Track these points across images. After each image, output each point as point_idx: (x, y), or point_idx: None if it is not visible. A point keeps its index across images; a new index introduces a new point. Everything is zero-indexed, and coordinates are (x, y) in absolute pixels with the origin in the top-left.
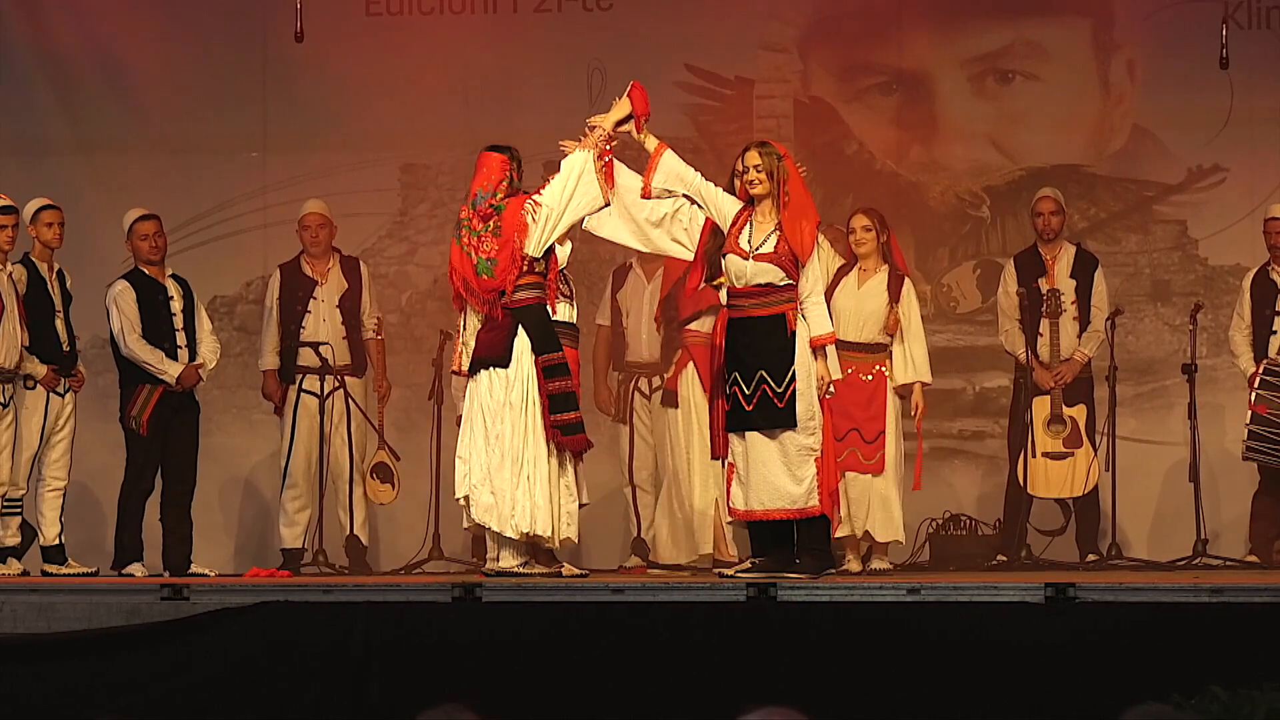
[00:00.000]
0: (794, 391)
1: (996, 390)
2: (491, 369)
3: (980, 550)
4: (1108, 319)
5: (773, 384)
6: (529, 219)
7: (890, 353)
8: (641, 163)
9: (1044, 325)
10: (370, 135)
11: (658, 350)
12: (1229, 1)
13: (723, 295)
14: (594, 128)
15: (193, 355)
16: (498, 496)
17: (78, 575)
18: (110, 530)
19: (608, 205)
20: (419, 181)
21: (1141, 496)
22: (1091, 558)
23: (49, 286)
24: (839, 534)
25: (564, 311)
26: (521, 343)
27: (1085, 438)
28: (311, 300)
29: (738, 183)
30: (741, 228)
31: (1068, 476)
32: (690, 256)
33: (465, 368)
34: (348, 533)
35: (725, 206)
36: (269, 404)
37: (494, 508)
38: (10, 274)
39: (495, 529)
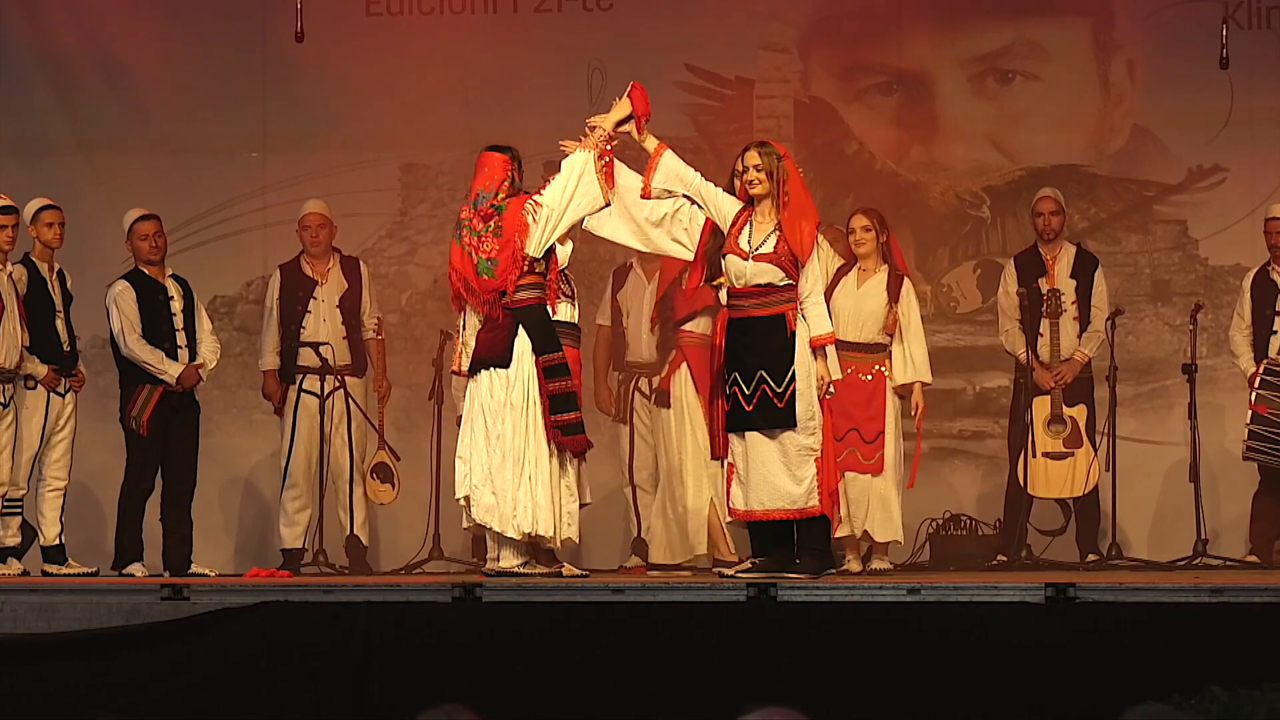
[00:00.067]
0: (794, 391)
1: (997, 390)
2: (492, 369)
3: (980, 550)
4: (1108, 319)
5: (772, 384)
6: (529, 219)
7: (890, 353)
8: (641, 163)
9: (1044, 325)
10: (370, 135)
11: (655, 350)
12: (1229, 1)
13: (722, 295)
14: (594, 128)
15: (193, 355)
16: (499, 497)
17: (78, 575)
18: (110, 530)
19: (608, 206)
20: (419, 181)
21: (1142, 496)
22: (1092, 558)
23: (49, 286)
24: (839, 534)
25: (565, 311)
26: (522, 343)
27: (1085, 438)
28: (312, 300)
29: (737, 183)
30: (741, 228)
31: (1068, 476)
32: (690, 256)
33: (465, 368)
34: (348, 533)
35: (725, 207)
36: (269, 404)
37: (495, 508)
38: (10, 274)
39: (497, 529)
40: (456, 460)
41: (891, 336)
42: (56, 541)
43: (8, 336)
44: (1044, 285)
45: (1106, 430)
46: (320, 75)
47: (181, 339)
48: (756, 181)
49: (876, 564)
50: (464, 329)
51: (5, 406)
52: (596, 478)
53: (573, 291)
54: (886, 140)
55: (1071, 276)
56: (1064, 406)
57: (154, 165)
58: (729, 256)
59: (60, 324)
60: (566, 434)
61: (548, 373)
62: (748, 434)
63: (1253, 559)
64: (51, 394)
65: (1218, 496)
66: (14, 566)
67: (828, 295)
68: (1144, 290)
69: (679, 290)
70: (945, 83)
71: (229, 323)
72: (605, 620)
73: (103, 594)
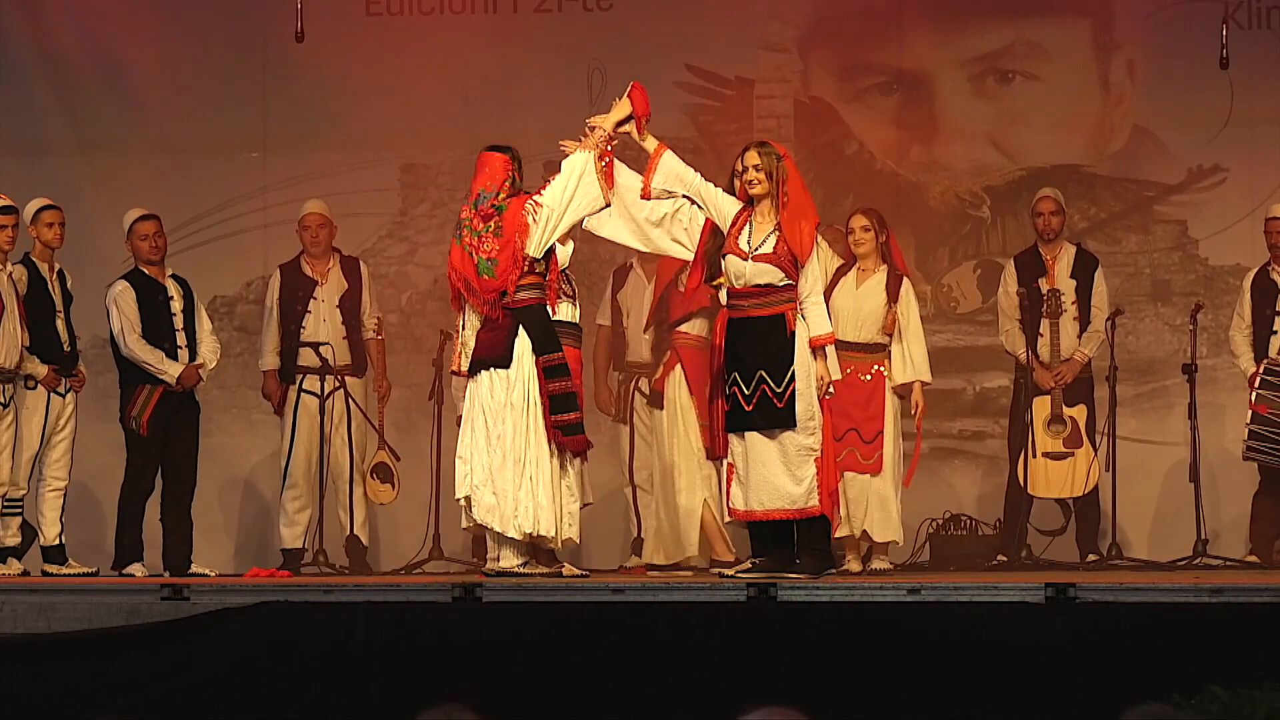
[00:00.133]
0: (793, 391)
1: (997, 390)
2: (492, 369)
3: (980, 550)
4: (1108, 319)
5: (772, 384)
6: (530, 219)
7: (889, 353)
8: (641, 163)
9: (1044, 325)
10: (370, 135)
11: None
12: (1229, 1)
13: (723, 295)
14: (594, 128)
15: (193, 355)
16: (500, 497)
17: (78, 575)
18: (110, 530)
19: (608, 206)
20: (419, 181)
21: (1142, 496)
22: (1092, 558)
23: (49, 286)
24: (838, 534)
25: (566, 311)
26: (522, 343)
27: (1085, 438)
28: (312, 300)
29: (737, 183)
30: (741, 228)
31: (1068, 476)
32: (690, 256)
33: (464, 368)
34: (348, 533)
35: (725, 207)
36: (269, 404)
37: (496, 508)
38: (10, 274)
39: (498, 529)
40: (457, 460)
41: (890, 336)
42: (57, 541)
43: (8, 336)
44: (1044, 285)
45: (1106, 430)
46: (320, 75)
47: (181, 339)
48: (756, 181)
49: (876, 564)
50: (463, 329)
51: (5, 406)
52: (596, 478)
53: (574, 291)
54: (886, 140)
55: (1071, 276)
56: (1064, 406)
57: (154, 165)
58: (729, 257)
59: (60, 324)
60: (567, 434)
61: (548, 373)
62: (747, 434)
63: (1253, 559)
64: (52, 394)
65: (1218, 496)
66: (14, 566)
67: (827, 295)
68: (1144, 290)
69: (675, 291)
70: (945, 83)
71: (229, 323)
72: (605, 620)
73: (103, 594)
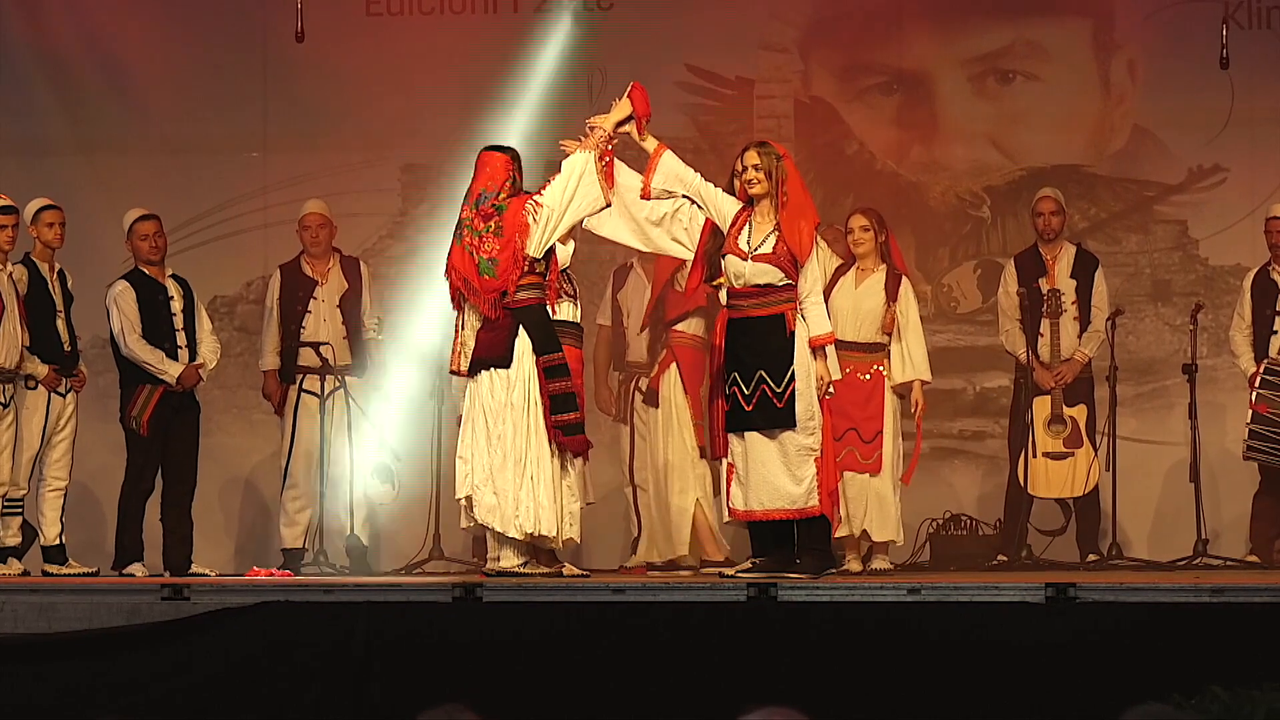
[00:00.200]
0: (793, 391)
1: (997, 390)
2: (492, 369)
3: (980, 550)
4: (1108, 319)
5: (772, 384)
6: (530, 219)
7: (888, 352)
8: (641, 163)
9: (1044, 325)
10: (370, 135)
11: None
12: (1229, 1)
13: (722, 295)
14: (594, 128)
15: (193, 355)
16: (500, 497)
17: (78, 575)
18: (111, 530)
19: (608, 206)
20: (419, 181)
21: (1142, 496)
22: (1092, 558)
23: (50, 286)
24: (838, 534)
25: (567, 311)
26: (523, 343)
27: (1086, 438)
28: (312, 300)
29: (737, 183)
30: (741, 228)
31: (1068, 476)
32: (690, 256)
33: (463, 368)
34: (348, 533)
35: (725, 207)
36: (269, 404)
37: (497, 508)
38: (11, 274)
39: (499, 529)
40: (457, 460)
41: (890, 336)
42: (57, 541)
43: (8, 336)
44: (1044, 285)
45: (1107, 430)
46: (320, 75)
47: (181, 339)
48: (755, 181)
49: (877, 564)
50: (462, 329)
51: (5, 406)
52: (596, 478)
53: (575, 291)
54: (887, 140)
55: (1072, 276)
56: (1064, 406)
57: (154, 165)
58: (728, 257)
59: (61, 324)
60: (567, 434)
61: (548, 373)
62: (747, 434)
63: (1253, 559)
64: (52, 394)
65: (1218, 496)
66: (14, 566)
67: (826, 295)
68: (1144, 290)
69: (672, 291)
70: (945, 83)
71: (229, 323)
72: (605, 620)
73: (103, 594)
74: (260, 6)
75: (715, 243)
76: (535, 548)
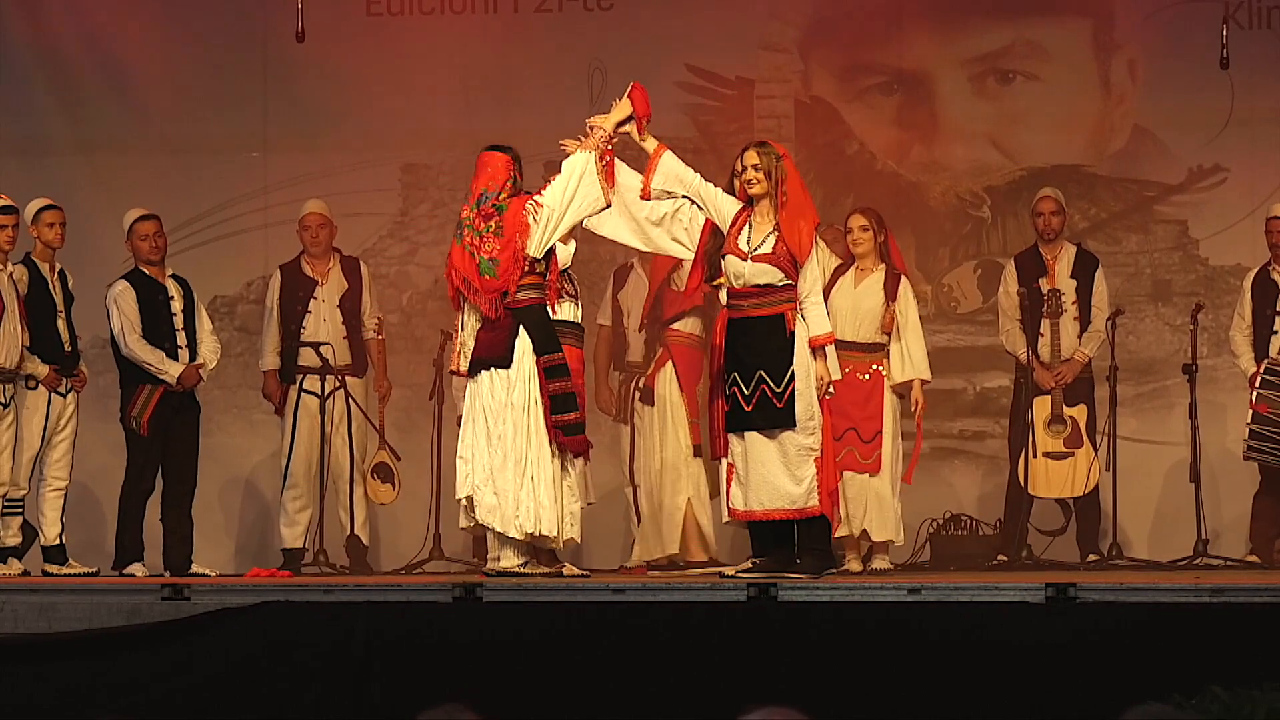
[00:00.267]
0: (793, 391)
1: (997, 390)
2: (493, 369)
3: (981, 550)
4: (1108, 319)
5: (772, 384)
6: (530, 219)
7: (887, 352)
8: (642, 162)
9: (1044, 325)
10: (370, 135)
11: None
12: (1229, 1)
13: (723, 295)
14: (594, 128)
15: (193, 355)
16: (501, 497)
17: (78, 575)
18: (111, 530)
19: (609, 206)
20: (419, 181)
21: (1142, 496)
22: (1092, 558)
23: (50, 286)
24: (838, 534)
25: (569, 311)
26: (523, 343)
27: (1086, 438)
28: (312, 300)
29: (737, 183)
30: (740, 228)
31: (1068, 476)
32: (690, 256)
33: (463, 368)
34: (348, 533)
35: (725, 207)
36: (269, 404)
37: (497, 508)
38: (11, 274)
39: (499, 530)
40: (458, 460)
41: (889, 335)
42: (57, 541)
43: (8, 336)
44: (1044, 285)
45: (1107, 430)
46: (320, 75)
47: (182, 339)
48: (755, 181)
49: (877, 564)
50: (462, 329)
51: (6, 406)
52: (597, 477)
53: (576, 291)
54: (887, 140)
55: (1072, 276)
56: (1064, 406)
57: (154, 165)
58: (728, 257)
59: (61, 324)
60: (567, 434)
61: (548, 373)
62: (747, 434)
63: (1253, 559)
64: (53, 394)
65: (1218, 496)
66: (14, 566)
67: (825, 295)
68: (1144, 290)
69: (669, 290)
70: (945, 83)
71: (229, 323)
72: (605, 620)
73: (103, 594)
74: (260, 6)
75: (715, 243)
76: (535, 548)
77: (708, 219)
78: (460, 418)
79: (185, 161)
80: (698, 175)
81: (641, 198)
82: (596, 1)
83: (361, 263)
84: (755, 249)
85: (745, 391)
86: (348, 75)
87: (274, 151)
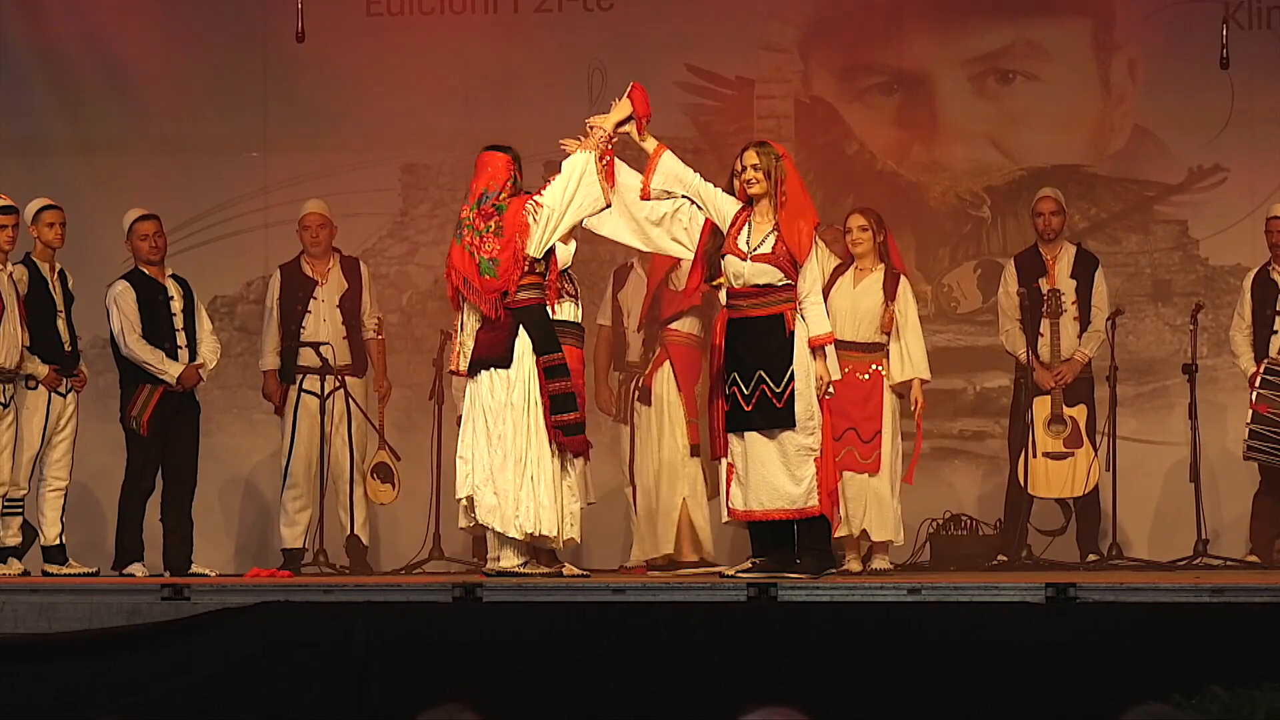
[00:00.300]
0: (792, 391)
1: (997, 390)
2: (492, 369)
3: (981, 550)
4: (1108, 319)
5: (771, 384)
6: (530, 219)
7: (887, 352)
8: (642, 162)
9: (1044, 325)
10: (370, 135)
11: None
12: (1229, 1)
13: (722, 295)
14: (594, 128)
15: (193, 355)
16: (501, 497)
17: (78, 575)
18: (111, 530)
19: (609, 206)
20: (419, 181)
21: (1142, 496)
22: (1092, 558)
23: (50, 286)
24: (838, 534)
25: (569, 311)
26: (523, 343)
27: (1086, 438)
28: (312, 300)
29: (736, 183)
30: (740, 228)
31: (1068, 476)
32: (690, 255)
33: (463, 368)
34: (348, 533)
35: (724, 207)
36: (269, 404)
37: (497, 508)
38: (11, 274)
39: (499, 530)
40: (458, 460)
41: (888, 335)
42: (57, 541)
43: (8, 336)
44: (1044, 285)
45: (1107, 430)
46: (320, 75)
47: (181, 339)
48: (754, 181)
49: (877, 564)
50: (462, 329)
51: (6, 406)
52: (597, 477)
53: (576, 291)
54: (887, 140)
55: (1072, 276)
56: (1064, 406)
57: (154, 165)
58: (728, 257)
59: (61, 324)
60: (567, 434)
61: (548, 373)
62: (747, 434)
63: (1253, 559)
64: (53, 394)
65: (1218, 496)
66: (14, 566)
67: (824, 295)
68: (1144, 290)
69: (666, 290)
70: (945, 83)
71: (229, 323)
72: (605, 620)
73: (103, 594)
74: (260, 6)
75: (715, 243)
76: (535, 548)
77: (707, 219)
78: (460, 418)
79: (185, 161)
80: (697, 175)
81: (641, 198)
82: (596, 1)
83: (361, 263)
84: (755, 249)
85: (745, 391)
86: (348, 75)
87: (274, 151)
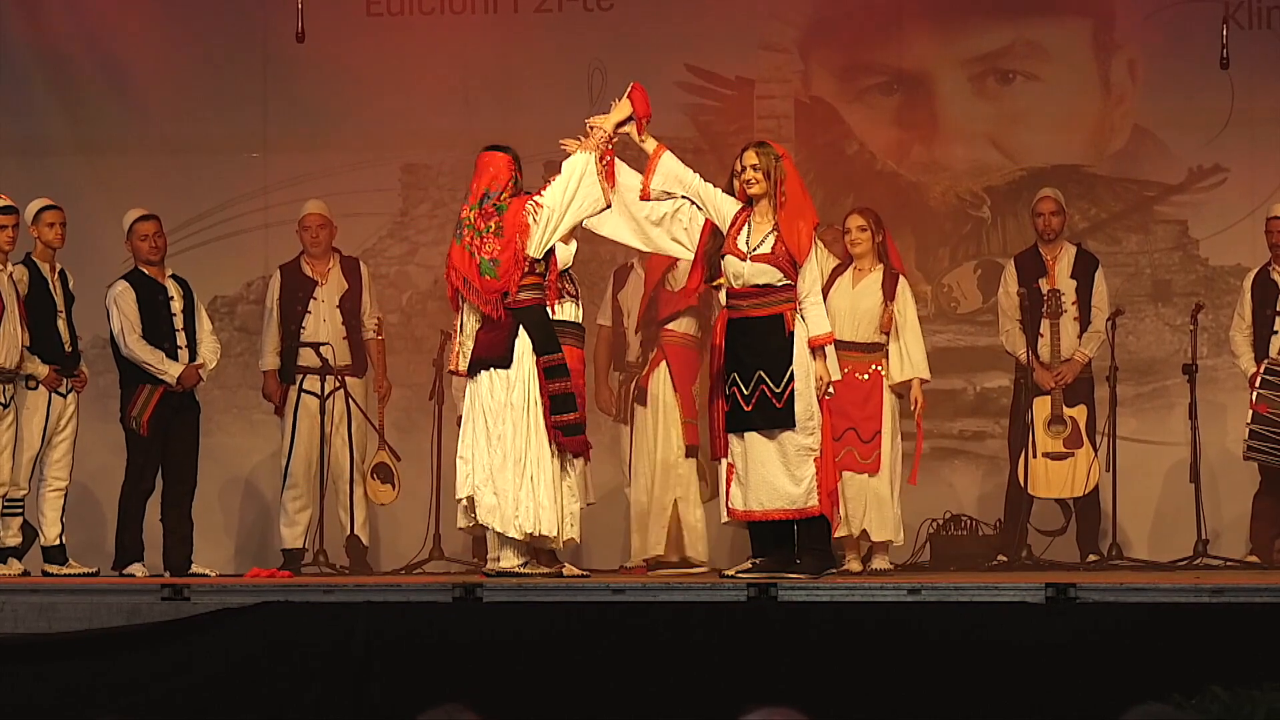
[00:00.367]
0: (792, 391)
1: (997, 390)
2: (492, 369)
3: (981, 550)
4: (1108, 319)
5: (771, 384)
6: (530, 220)
7: (886, 352)
8: (642, 162)
9: (1044, 325)
10: (370, 135)
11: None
12: (1229, 1)
13: (722, 296)
14: (594, 128)
15: (193, 355)
16: (500, 497)
17: (78, 575)
18: (111, 530)
19: (609, 207)
20: (419, 181)
21: (1142, 496)
22: (1092, 558)
23: (50, 286)
24: (838, 534)
25: (570, 311)
26: (523, 343)
27: (1086, 438)
28: (312, 300)
29: (736, 183)
30: (740, 228)
31: (1068, 477)
32: (690, 256)
33: (462, 368)
34: (348, 533)
35: (724, 207)
36: (269, 404)
37: (497, 508)
38: (11, 274)
39: (499, 530)
40: (458, 460)
41: (888, 335)
42: (57, 542)
43: (8, 337)
44: (1044, 285)
45: (1107, 430)
46: (320, 75)
47: (181, 339)
48: (754, 181)
49: (877, 564)
50: (461, 329)
51: (6, 407)
52: (596, 477)
53: (576, 291)
54: (887, 140)
55: (1072, 277)
56: (1064, 407)
57: (154, 165)
58: (727, 257)
59: (62, 324)
60: (567, 434)
61: (548, 373)
62: (747, 434)
63: (1253, 559)
64: (53, 394)
65: (1218, 496)
66: (14, 566)
67: (824, 295)
68: (1144, 290)
69: (663, 290)
70: (945, 83)
71: (229, 323)
72: (605, 620)
73: (103, 594)
74: (260, 6)
75: (715, 243)
76: (535, 548)
77: (707, 219)
78: (460, 418)
79: (185, 161)
80: (697, 176)
81: (641, 198)
82: (596, 1)
83: (361, 263)
84: (754, 249)
85: (745, 392)
86: (348, 75)
87: (274, 151)
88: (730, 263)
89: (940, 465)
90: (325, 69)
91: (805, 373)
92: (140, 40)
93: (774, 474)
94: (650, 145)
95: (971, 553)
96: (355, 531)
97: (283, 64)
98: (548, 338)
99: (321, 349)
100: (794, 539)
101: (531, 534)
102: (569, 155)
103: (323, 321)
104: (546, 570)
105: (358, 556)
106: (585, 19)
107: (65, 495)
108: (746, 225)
